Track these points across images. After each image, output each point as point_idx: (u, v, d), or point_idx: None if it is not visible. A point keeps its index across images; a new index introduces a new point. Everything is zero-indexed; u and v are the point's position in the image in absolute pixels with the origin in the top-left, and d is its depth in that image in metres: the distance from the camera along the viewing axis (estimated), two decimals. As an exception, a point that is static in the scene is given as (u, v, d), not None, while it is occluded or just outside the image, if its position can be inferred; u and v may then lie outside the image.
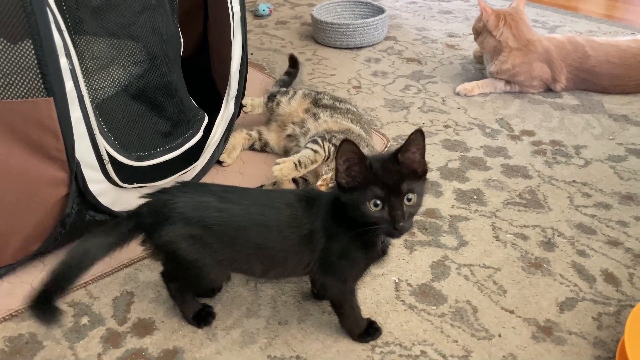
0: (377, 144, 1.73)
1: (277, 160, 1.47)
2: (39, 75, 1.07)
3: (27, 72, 1.07)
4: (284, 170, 1.44)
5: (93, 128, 1.21)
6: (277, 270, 1.06)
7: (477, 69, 2.33)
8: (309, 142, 1.54)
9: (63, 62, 1.10)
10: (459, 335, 1.13)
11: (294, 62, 2.20)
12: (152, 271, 1.28)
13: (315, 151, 1.49)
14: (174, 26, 1.44)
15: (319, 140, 1.51)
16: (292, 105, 1.74)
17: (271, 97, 1.79)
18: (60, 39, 1.09)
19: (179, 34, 1.47)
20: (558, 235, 1.40)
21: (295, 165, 1.46)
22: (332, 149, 1.51)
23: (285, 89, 1.86)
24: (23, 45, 1.05)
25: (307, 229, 1.00)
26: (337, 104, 1.73)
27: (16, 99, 1.08)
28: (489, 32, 2.06)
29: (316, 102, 1.73)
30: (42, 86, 1.08)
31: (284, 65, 2.36)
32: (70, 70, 1.12)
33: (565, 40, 2.09)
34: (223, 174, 1.65)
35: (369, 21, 2.50)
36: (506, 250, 1.35)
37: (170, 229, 0.99)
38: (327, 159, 1.52)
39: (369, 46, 2.56)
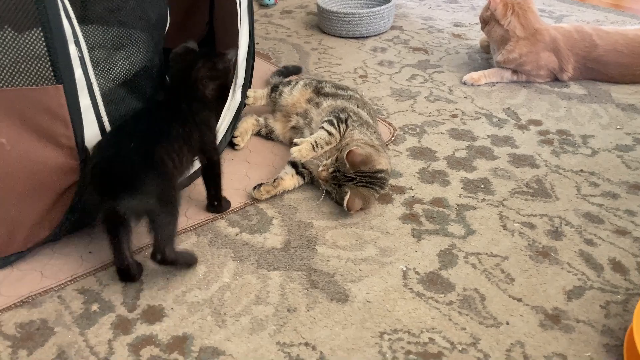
0: (383, 134, 1.73)
1: (295, 140, 1.48)
2: (49, 63, 1.08)
3: (37, 60, 1.07)
4: (303, 152, 1.45)
5: (102, 116, 1.21)
6: None
7: (484, 58, 2.32)
8: (324, 121, 1.52)
9: (72, 49, 1.10)
10: (467, 322, 1.13)
11: (296, 68, 2.18)
12: (160, 259, 1.28)
13: (330, 133, 1.48)
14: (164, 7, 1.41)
15: (335, 122, 1.50)
16: (294, 95, 1.73)
17: (274, 88, 1.79)
18: (69, 26, 1.09)
19: (166, 15, 1.43)
20: (565, 225, 1.40)
21: (313, 146, 1.46)
22: (342, 128, 1.51)
23: (287, 79, 1.85)
24: (33, 33, 1.05)
25: None
26: (339, 91, 1.72)
27: (26, 87, 1.08)
28: (497, 21, 2.04)
29: (318, 91, 1.71)
30: (52, 74, 1.09)
31: (289, 54, 2.36)
32: (80, 57, 1.12)
33: (572, 29, 2.08)
34: (230, 163, 1.64)
35: (375, 10, 2.48)
36: (514, 239, 1.35)
37: None
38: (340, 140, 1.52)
39: (375, 35, 2.55)
